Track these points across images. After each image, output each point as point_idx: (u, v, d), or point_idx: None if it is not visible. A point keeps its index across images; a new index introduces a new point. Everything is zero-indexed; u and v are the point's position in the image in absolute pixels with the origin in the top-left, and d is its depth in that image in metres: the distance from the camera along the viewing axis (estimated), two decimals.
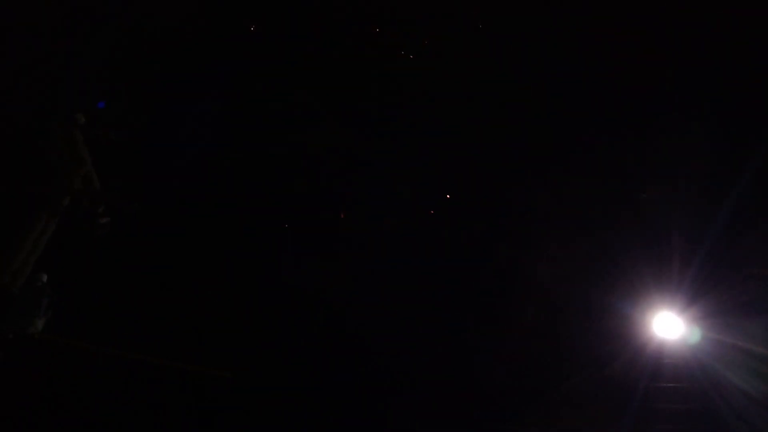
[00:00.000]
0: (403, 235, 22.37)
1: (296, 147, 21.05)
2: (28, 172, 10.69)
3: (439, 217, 23.36)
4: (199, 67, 19.43)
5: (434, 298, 21.97)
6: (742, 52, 20.24)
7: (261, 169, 20.20)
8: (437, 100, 22.85)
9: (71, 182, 10.71)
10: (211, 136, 18.98)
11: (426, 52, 23.17)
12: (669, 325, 19.75)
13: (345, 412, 20.56)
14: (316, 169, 21.37)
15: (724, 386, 19.75)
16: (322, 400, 20.06)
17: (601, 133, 22.16)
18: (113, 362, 11.86)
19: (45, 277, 10.63)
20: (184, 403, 16.42)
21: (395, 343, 21.68)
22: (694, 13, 20.83)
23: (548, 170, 22.45)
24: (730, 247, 19.31)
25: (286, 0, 21.39)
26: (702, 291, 19.31)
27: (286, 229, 20.87)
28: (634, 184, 21.87)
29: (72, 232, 11.02)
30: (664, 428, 20.53)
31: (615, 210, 21.78)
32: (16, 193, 10.58)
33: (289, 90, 20.98)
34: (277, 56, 20.93)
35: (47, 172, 10.62)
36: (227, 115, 19.72)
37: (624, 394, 20.98)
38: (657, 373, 20.70)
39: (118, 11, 16.72)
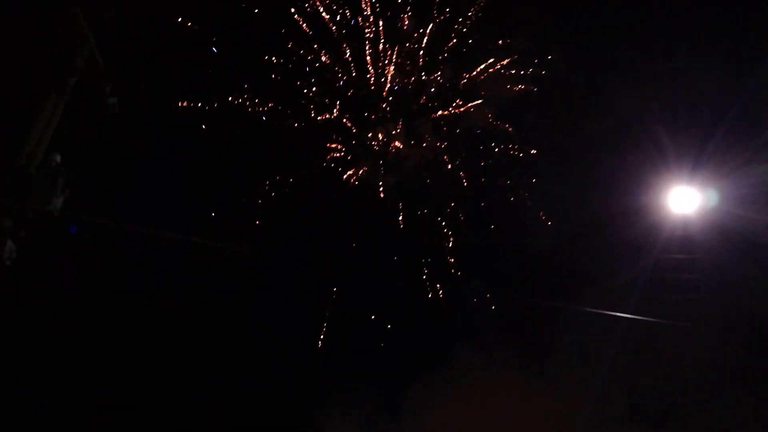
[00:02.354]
0: None
1: None
2: (30, 54, 10.70)
3: None
4: None
5: None
6: None
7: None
8: None
9: (75, 62, 10.73)
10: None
11: None
12: (684, 199, 19.65)
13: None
14: None
15: (738, 258, 19.93)
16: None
17: None
18: (133, 237, 12.33)
19: (59, 158, 10.91)
20: (203, 277, 17.17)
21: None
22: None
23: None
24: (747, 115, 18.85)
25: None
26: (718, 163, 19.09)
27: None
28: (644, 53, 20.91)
29: (81, 112, 11.17)
30: (676, 297, 21.00)
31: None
32: (21, 76, 10.65)
33: None
34: None
35: (50, 53, 10.63)
36: None
37: (640, 269, 21.30)
38: (672, 245, 20.86)
39: None
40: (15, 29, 10.60)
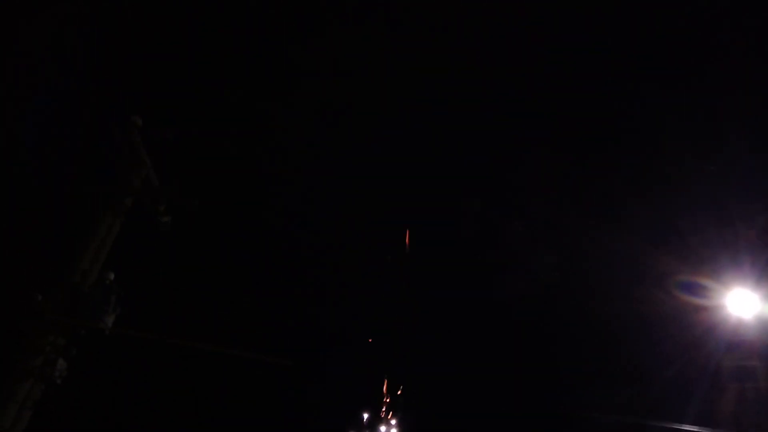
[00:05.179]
0: None
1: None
2: (90, 175, 11.10)
3: None
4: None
5: None
6: None
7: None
8: None
9: (132, 183, 11.09)
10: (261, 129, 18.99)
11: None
12: (743, 302, 18.97)
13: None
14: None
15: None
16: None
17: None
18: (180, 352, 12.30)
19: (112, 276, 11.10)
20: (250, 390, 17.03)
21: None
22: None
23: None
24: None
25: None
26: None
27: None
28: (699, 153, 20.87)
29: (135, 231, 11.44)
30: (736, 408, 19.94)
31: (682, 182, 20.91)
32: (80, 196, 11.01)
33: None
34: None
35: (109, 175, 11.02)
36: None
37: (698, 373, 20.46)
38: (730, 351, 20.07)
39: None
40: (75, 152, 11.05)
